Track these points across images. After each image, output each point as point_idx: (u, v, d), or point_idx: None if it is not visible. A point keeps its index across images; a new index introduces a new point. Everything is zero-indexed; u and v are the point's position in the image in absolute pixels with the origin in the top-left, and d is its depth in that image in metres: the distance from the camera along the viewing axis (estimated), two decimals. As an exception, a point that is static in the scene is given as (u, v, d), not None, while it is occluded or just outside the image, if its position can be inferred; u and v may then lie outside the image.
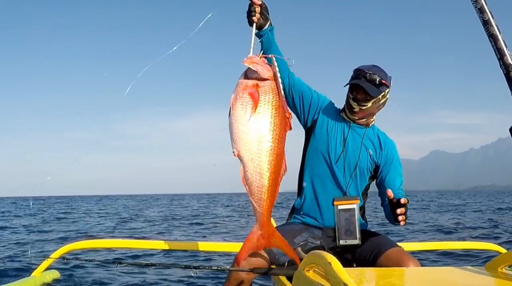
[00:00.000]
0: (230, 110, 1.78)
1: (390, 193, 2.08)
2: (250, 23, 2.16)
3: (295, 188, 2.61)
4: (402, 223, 2.07)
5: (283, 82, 2.40)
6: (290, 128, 1.77)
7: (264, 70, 1.78)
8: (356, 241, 2.25)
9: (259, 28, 2.23)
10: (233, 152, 1.72)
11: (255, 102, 1.71)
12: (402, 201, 2.04)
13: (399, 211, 2.05)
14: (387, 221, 2.37)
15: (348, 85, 2.42)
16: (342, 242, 2.28)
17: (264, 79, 1.77)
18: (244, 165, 1.71)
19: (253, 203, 1.74)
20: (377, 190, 2.61)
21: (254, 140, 1.68)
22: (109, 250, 5.81)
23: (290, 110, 1.84)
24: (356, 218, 2.29)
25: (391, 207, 2.10)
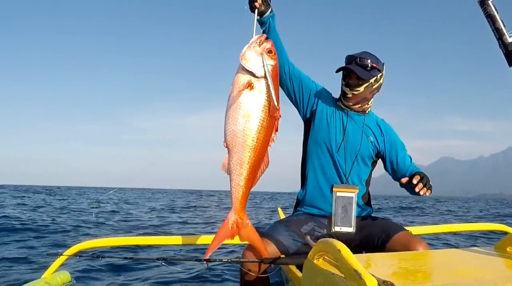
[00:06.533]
0: (226, 105, 1.92)
1: (404, 179, 2.32)
2: (252, 9, 2.19)
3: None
4: (421, 192, 2.19)
5: (283, 71, 2.42)
6: (277, 130, 1.95)
7: (259, 67, 1.85)
8: (351, 229, 2.25)
9: (260, 14, 2.25)
10: (223, 143, 1.94)
11: (247, 104, 1.87)
12: (414, 181, 2.20)
13: (418, 186, 2.19)
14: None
15: (342, 73, 2.45)
16: (336, 229, 2.28)
17: (259, 78, 1.86)
18: (229, 155, 1.94)
19: (231, 189, 1.96)
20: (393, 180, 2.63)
21: (241, 138, 1.90)
22: (120, 247, 5.84)
23: (280, 113, 1.94)
24: (354, 207, 2.30)
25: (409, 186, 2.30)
